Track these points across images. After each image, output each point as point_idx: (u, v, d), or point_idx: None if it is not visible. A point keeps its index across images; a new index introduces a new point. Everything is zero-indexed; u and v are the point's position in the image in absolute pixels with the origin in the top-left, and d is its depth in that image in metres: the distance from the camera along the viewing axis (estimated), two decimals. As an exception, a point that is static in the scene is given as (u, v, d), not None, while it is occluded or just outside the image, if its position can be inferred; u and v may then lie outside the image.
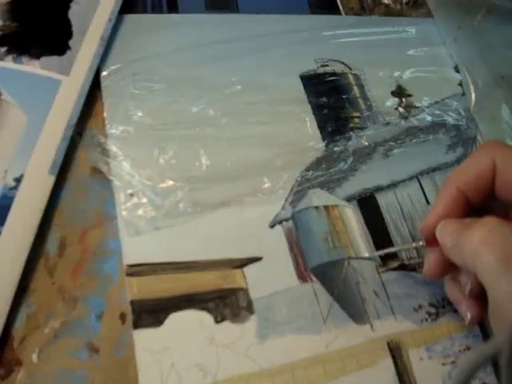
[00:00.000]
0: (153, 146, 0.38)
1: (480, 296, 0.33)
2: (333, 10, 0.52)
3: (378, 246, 0.39)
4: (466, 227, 0.31)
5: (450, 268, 0.34)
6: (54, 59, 0.38)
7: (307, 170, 0.41)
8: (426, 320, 0.38)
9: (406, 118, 0.46)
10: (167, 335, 0.32)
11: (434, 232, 0.33)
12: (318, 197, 0.39)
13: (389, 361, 0.35)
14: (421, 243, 0.35)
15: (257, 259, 0.36)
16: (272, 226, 0.38)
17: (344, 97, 0.46)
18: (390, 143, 0.44)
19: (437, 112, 0.47)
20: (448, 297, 0.36)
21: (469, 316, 0.34)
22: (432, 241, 0.34)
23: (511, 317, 0.28)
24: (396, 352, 0.36)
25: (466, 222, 0.32)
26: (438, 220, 0.33)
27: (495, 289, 0.29)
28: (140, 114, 0.39)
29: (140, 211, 0.36)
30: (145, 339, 0.32)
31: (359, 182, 0.41)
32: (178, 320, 0.33)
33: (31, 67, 0.38)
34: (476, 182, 0.33)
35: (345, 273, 0.37)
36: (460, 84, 0.50)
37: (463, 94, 0.49)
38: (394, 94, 0.48)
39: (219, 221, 0.37)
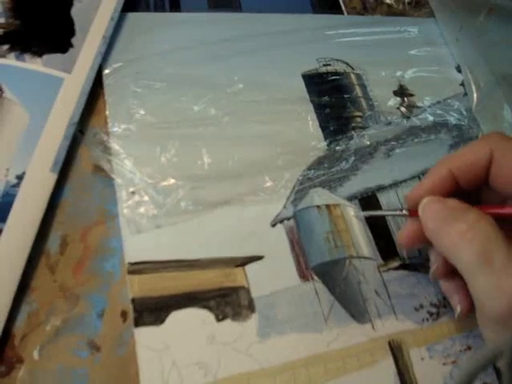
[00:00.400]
0: (155, 145, 0.38)
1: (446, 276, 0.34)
2: (335, 9, 0.52)
3: (379, 246, 0.39)
4: (449, 214, 0.31)
5: (423, 241, 0.34)
6: (56, 57, 0.38)
7: (309, 169, 0.41)
8: (427, 320, 0.38)
9: (407, 117, 0.46)
10: (168, 333, 0.32)
11: (417, 204, 0.34)
12: (319, 196, 0.39)
13: (390, 360, 0.35)
14: (404, 212, 0.35)
15: (258, 258, 0.36)
16: (273, 225, 0.38)
17: (346, 96, 0.46)
18: (392, 143, 0.44)
19: (439, 112, 0.47)
20: (442, 289, 0.36)
21: (458, 309, 0.35)
22: (415, 212, 0.34)
23: (490, 312, 0.28)
24: (397, 351, 0.36)
25: (450, 205, 0.32)
26: (424, 194, 0.34)
27: (474, 284, 0.29)
28: (142, 112, 0.39)
29: (142, 209, 0.36)
30: (146, 337, 0.32)
31: (361, 182, 0.41)
32: (179, 318, 0.33)
33: (34, 65, 0.38)
34: (469, 169, 0.34)
35: (346, 272, 0.37)
36: (462, 84, 0.50)
37: (465, 93, 0.49)
38: (396, 93, 0.48)
39: (221, 219, 0.37)
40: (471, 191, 0.34)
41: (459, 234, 0.30)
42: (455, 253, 0.30)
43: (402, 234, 0.35)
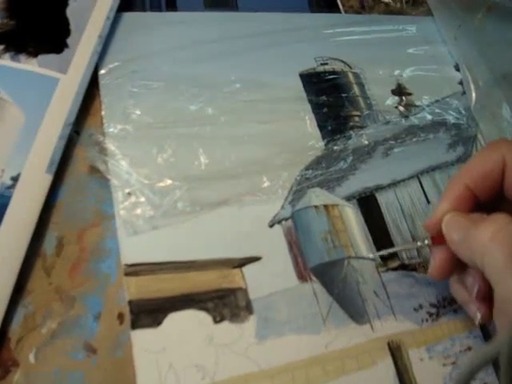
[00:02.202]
0: (151, 145, 0.38)
1: (487, 296, 0.32)
2: (332, 8, 0.51)
3: (377, 246, 0.39)
4: (474, 222, 0.31)
5: (455, 268, 0.34)
6: (51, 57, 0.38)
7: (307, 169, 0.41)
8: (427, 320, 0.37)
9: (406, 116, 0.46)
10: (165, 335, 0.32)
11: (439, 229, 0.33)
12: (317, 196, 0.39)
13: (389, 361, 0.35)
14: (426, 242, 0.34)
15: (256, 259, 0.36)
16: (271, 226, 0.38)
17: (344, 95, 0.46)
18: (390, 142, 0.44)
19: (437, 111, 0.47)
20: (455, 298, 0.36)
21: (479, 316, 0.33)
22: (438, 238, 0.33)
23: None
24: (396, 352, 0.36)
25: (473, 218, 0.31)
26: (444, 215, 0.33)
27: (502, 286, 0.29)
28: (138, 112, 0.39)
29: (138, 210, 0.35)
30: (143, 339, 0.32)
31: (359, 181, 0.41)
32: (176, 320, 0.33)
33: (29, 65, 0.37)
34: (484, 180, 0.33)
35: (345, 272, 0.37)
36: (460, 83, 0.50)
37: (464, 92, 0.49)
38: (394, 92, 0.47)
39: (218, 220, 0.37)
40: (489, 207, 0.34)
41: (489, 236, 0.29)
42: (484, 255, 0.29)
43: (432, 269, 0.34)
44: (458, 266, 0.33)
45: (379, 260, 0.39)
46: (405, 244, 0.40)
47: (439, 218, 0.33)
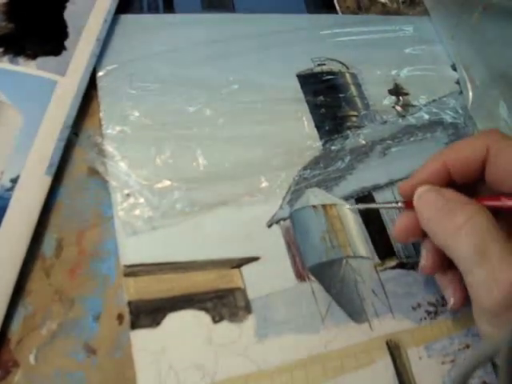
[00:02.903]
0: (150, 146, 0.38)
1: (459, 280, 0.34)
2: (329, 9, 0.52)
3: (376, 245, 0.39)
4: (446, 204, 0.31)
5: (418, 236, 0.34)
6: (50, 60, 0.38)
7: (305, 169, 0.41)
8: (425, 319, 0.38)
9: (403, 116, 0.46)
10: (165, 336, 0.32)
11: (412, 195, 0.34)
12: (315, 196, 0.39)
13: (388, 360, 0.35)
14: (399, 204, 0.35)
15: (254, 259, 0.36)
16: (270, 226, 0.38)
17: (341, 96, 0.46)
18: (388, 142, 0.44)
19: (434, 110, 0.47)
20: (437, 282, 0.36)
21: (452, 301, 0.35)
22: (410, 203, 0.34)
23: (486, 304, 0.29)
24: (395, 351, 0.36)
25: (447, 195, 0.32)
26: (418, 185, 0.34)
27: (470, 277, 0.30)
28: (137, 114, 0.39)
29: (137, 211, 0.35)
30: (142, 340, 0.32)
31: (357, 181, 0.41)
32: (175, 320, 0.33)
33: (27, 68, 0.38)
34: (464, 163, 0.34)
35: (343, 272, 0.37)
36: (457, 82, 0.50)
37: (461, 92, 0.49)
38: (391, 92, 0.47)
39: (216, 221, 0.37)
40: (466, 185, 0.34)
41: (456, 227, 0.30)
42: (451, 245, 0.30)
43: (397, 227, 0.35)
44: (446, 260, 0.33)
45: (377, 258, 0.39)
46: (381, 203, 0.41)
47: (413, 184, 0.34)
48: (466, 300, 0.33)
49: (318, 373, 0.34)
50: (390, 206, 0.38)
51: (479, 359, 0.25)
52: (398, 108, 0.47)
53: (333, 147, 0.43)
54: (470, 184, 0.35)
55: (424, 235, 0.34)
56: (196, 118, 0.41)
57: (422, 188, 0.33)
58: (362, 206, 0.40)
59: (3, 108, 0.35)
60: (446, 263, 0.34)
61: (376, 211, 0.41)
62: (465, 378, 0.25)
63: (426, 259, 0.35)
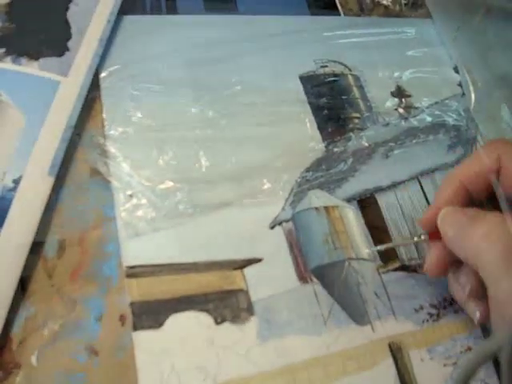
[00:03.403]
0: (152, 147, 0.38)
1: (481, 295, 0.33)
2: (332, 11, 0.52)
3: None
4: (469, 219, 0.31)
5: (451, 265, 0.34)
6: (52, 60, 0.38)
7: (307, 170, 0.41)
8: (427, 321, 0.38)
9: (405, 118, 0.46)
10: (167, 337, 0.32)
11: (434, 224, 0.33)
12: (317, 198, 0.39)
13: (390, 362, 0.35)
14: (422, 237, 0.35)
15: (257, 260, 0.36)
16: (272, 227, 0.38)
17: (344, 98, 0.46)
18: (390, 144, 0.44)
19: (437, 112, 0.47)
20: (453, 297, 0.36)
21: (478, 315, 0.34)
22: (434, 234, 0.34)
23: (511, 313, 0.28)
24: (397, 353, 0.36)
25: (469, 213, 0.32)
26: (439, 210, 0.34)
27: (496, 286, 0.29)
28: (139, 115, 0.39)
29: (139, 212, 0.35)
30: (144, 341, 0.32)
31: (359, 183, 0.41)
32: (177, 322, 0.33)
33: (30, 68, 0.38)
34: (479, 177, 0.34)
35: (345, 274, 0.37)
36: (460, 84, 0.50)
37: (463, 94, 0.49)
38: (393, 94, 0.48)
39: (219, 222, 0.37)
40: (484, 201, 0.34)
41: (482, 236, 0.30)
42: (477, 255, 0.30)
43: (428, 266, 0.35)
44: (454, 263, 0.33)
45: (378, 259, 0.39)
46: (402, 239, 0.40)
47: (434, 212, 0.34)
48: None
49: (320, 375, 0.34)
50: (413, 241, 0.37)
51: (481, 359, 0.25)
52: (401, 110, 0.47)
53: (335, 149, 0.43)
54: (489, 202, 0.34)
55: (458, 264, 0.33)
56: (198, 120, 0.41)
57: (444, 210, 0.33)
58: (382, 247, 0.38)
59: (6, 108, 0.35)
60: (452, 268, 0.34)
61: (378, 213, 0.41)
62: (467, 378, 0.25)
63: (430, 261, 0.35)
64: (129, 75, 0.41)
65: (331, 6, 0.52)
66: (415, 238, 0.36)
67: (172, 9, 0.46)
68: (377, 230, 0.40)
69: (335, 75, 0.47)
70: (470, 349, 0.37)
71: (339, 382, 0.34)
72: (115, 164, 0.37)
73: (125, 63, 0.41)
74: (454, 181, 0.34)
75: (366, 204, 0.41)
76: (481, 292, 0.32)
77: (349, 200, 0.40)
